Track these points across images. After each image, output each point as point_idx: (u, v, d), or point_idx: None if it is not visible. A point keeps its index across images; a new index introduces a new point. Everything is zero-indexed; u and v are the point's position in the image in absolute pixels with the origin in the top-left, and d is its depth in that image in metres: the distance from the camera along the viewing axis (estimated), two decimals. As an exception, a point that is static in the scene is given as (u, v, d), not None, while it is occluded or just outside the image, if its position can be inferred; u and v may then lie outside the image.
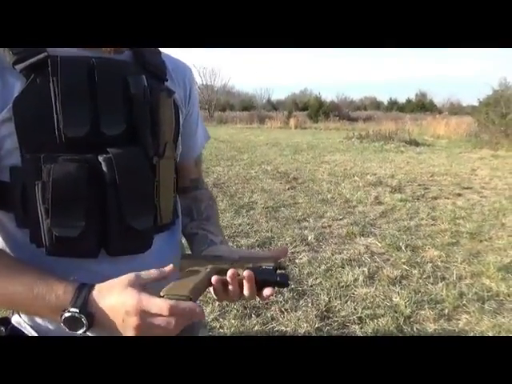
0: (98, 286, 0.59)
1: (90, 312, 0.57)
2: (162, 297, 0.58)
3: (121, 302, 0.56)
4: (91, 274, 0.64)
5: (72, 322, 0.57)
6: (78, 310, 0.57)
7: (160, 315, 0.55)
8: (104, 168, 0.63)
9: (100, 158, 0.63)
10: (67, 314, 0.57)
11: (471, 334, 2.27)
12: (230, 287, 0.64)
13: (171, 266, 0.61)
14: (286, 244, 3.56)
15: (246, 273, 0.63)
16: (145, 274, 0.59)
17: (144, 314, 0.55)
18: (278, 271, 0.65)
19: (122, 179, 0.64)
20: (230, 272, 0.63)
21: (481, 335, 2.25)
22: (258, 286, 0.64)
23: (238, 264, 0.65)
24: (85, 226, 0.62)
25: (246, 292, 0.64)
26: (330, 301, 2.60)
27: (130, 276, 0.58)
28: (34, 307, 0.61)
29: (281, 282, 0.64)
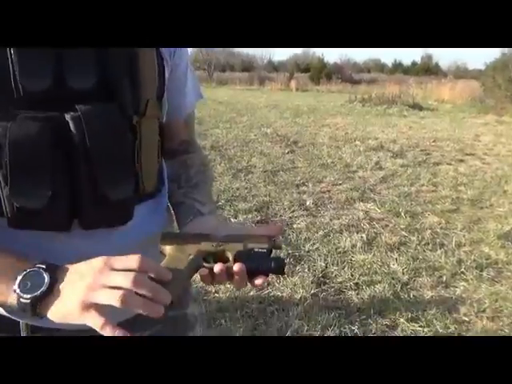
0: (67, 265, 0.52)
1: (54, 274, 0.50)
2: None
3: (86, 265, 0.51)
4: (64, 249, 0.58)
5: (30, 280, 0.49)
6: (44, 266, 0.50)
7: (125, 269, 0.49)
8: (72, 128, 0.54)
9: (67, 117, 0.54)
10: (27, 270, 0.50)
11: (468, 302, 2.27)
12: (218, 278, 0.57)
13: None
14: (284, 209, 3.52)
15: (235, 266, 0.55)
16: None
17: (105, 267, 0.49)
18: (273, 255, 0.58)
19: (94, 141, 0.55)
20: (216, 267, 0.56)
21: (477, 300, 2.25)
22: (250, 273, 0.56)
23: (226, 246, 0.58)
24: (51, 196, 0.54)
25: (235, 284, 0.57)
26: (326, 266, 2.58)
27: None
28: None
29: (275, 269, 0.56)
